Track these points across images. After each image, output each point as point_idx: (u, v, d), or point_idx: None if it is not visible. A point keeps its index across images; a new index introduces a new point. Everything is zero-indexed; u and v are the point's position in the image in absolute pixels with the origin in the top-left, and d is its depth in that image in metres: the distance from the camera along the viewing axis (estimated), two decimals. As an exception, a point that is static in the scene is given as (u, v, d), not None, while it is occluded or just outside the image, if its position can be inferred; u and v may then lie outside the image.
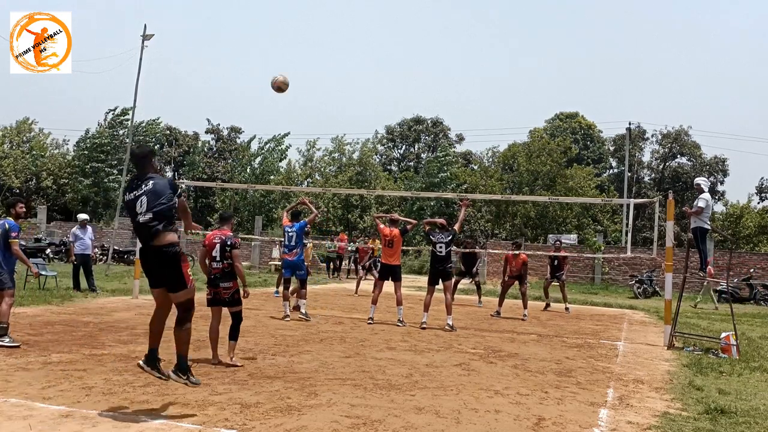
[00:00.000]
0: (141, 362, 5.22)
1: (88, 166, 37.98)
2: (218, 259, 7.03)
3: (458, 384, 6.56)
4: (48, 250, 22.09)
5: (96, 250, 22.40)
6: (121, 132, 40.14)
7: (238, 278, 7.10)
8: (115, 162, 38.97)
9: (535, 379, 7.06)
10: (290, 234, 11.36)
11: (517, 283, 14.16)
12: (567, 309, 15.45)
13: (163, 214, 4.90)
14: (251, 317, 10.74)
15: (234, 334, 7.10)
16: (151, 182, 4.98)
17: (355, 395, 5.83)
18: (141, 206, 4.91)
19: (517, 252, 14.38)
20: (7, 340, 7.35)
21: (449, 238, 11.20)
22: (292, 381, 6.30)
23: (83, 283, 13.99)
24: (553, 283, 16.14)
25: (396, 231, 11.40)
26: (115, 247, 23.57)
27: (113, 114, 39.62)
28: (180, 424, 4.72)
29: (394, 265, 11.42)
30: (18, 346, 7.27)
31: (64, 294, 12.80)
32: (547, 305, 15.88)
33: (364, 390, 6.06)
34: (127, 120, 39.28)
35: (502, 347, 9.33)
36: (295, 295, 11.73)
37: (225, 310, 7.23)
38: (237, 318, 7.16)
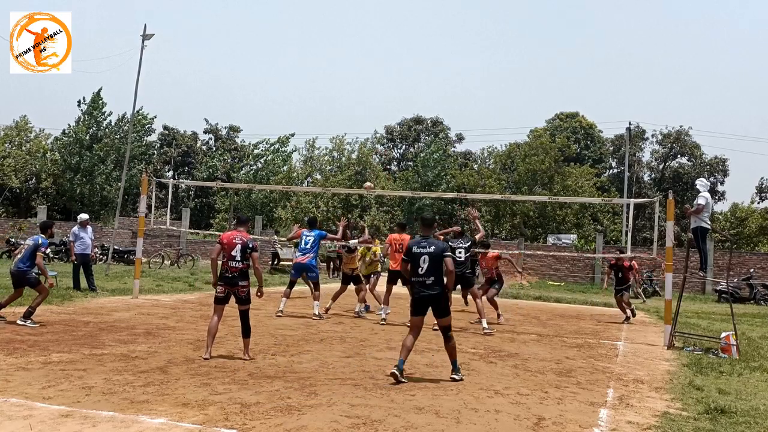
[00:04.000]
0: (396, 372, 6.41)
1: (74, 161, 37.53)
2: (238, 259, 7.27)
3: (458, 384, 6.57)
4: (48, 250, 22.07)
5: (96, 249, 22.36)
6: (100, 120, 39.58)
7: (257, 279, 7.42)
8: (111, 164, 38.60)
9: (535, 379, 7.06)
10: (307, 238, 11.58)
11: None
12: (628, 318, 14.03)
13: (438, 273, 6.61)
14: (251, 317, 10.68)
15: (247, 331, 7.38)
16: (433, 246, 6.67)
17: (355, 395, 5.83)
18: (424, 263, 6.60)
19: (485, 251, 13.23)
20: (30, 322, 8.70)
21: (468, 243, 11.29)
22: (292, 381, 6.31)
23: (83, 283, 13.98)
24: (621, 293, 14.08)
25: (406, 236, 11.69)
26: (115, 247, 23.56)
27: (85, 104, 38.97)
28: (180, 424, 4.72)
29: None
30: (36, 325, 8.71)
31: (64, 294, 12.78)
32: (627, 318, 14.06)
33: (364, 390, 6.07)
34: (104, 106, 39.37)
35: (502, 347, 9.33)
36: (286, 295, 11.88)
37: (225, 311, 7.54)
38: (246, 315, 7.40)
